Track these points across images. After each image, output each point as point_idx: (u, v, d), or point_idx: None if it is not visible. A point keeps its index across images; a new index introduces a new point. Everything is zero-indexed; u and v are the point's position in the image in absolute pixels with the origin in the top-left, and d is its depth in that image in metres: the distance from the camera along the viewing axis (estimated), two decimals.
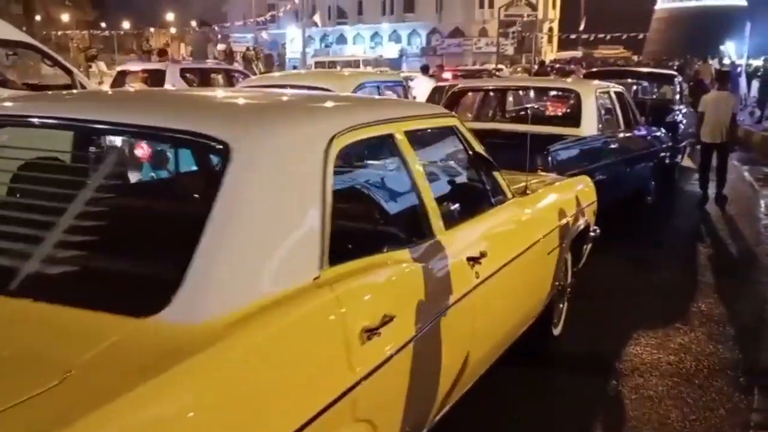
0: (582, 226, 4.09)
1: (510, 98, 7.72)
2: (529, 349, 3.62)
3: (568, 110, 7.04)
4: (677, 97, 11.07)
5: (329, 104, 2.48)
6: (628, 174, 7.21)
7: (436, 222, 2.47)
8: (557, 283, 3.81)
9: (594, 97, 6.53)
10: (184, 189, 2.70)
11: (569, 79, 7.62)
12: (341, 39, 69.22)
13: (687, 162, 11.97)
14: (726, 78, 9.62)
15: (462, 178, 3.11)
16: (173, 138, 2.05)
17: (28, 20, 57.46)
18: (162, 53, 15.38)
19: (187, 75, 14.33)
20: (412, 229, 2.43)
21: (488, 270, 2.68)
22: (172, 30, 59.66)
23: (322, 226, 1.88)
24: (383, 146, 2.53)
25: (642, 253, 6.38)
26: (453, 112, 3.02)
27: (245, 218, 1.71)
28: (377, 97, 2.92)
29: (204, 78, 14.75)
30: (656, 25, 50.80)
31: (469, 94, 7.38)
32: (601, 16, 51.56)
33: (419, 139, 2.66)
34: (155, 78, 13.86)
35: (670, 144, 9.09)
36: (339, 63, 40.01)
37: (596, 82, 6.94)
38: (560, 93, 7.44)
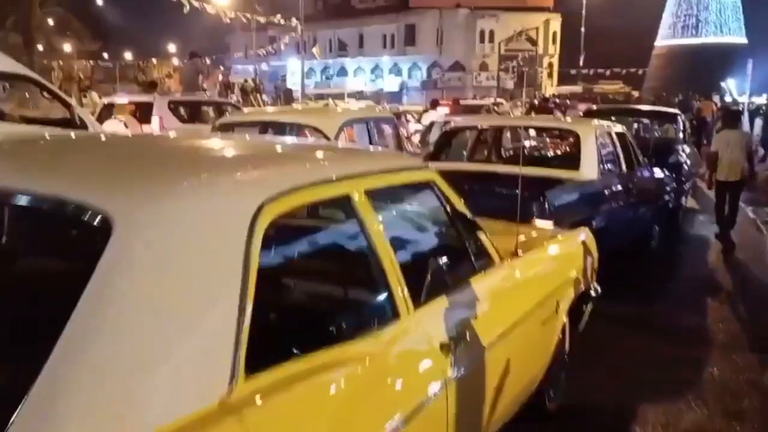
0: (582, 288, 3.62)
1: (506, 138, 7.30)
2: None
3: (567, 152, 6.62)
4: (680, 135, 10.70)
5: (265, 159, 2.00)
6: (630, 219, 6.76)
7: (402, 301, 2.00)
8: (553, 356, 3.32)
9: (594, 138, 6.11)
10: (44, 277, 2.05)
11: (569, 119, 7.22)
12: (342, 71, 69.45)
13: (691, 202, 11.56)
14: (738, 117, 9.48)
15: (438, 244, 2.62)
16: (36, 205, 1.54)
17: (27, 50, 57.81)
18: (152, 85, 15.06)
19: (180, 108, 14.03)
20: (370, 312, 1.96)
21: (468, 357, 2.20)
22: (175, 61, 59.92)
23: (239, 323, 1.42)
24: (336, 211, 2.07)
25: (645, 309, 5.86)
26: (429, 165, 2.54)
27: (123, 319, 1.25)
28: (340, 144, 2.42)
29: (193, 111, 14.44)
30: (656, 62, 50.88)
31: (464, 132, 6.96)
32: (601, 52, 51.69)
33: (385, 199, 2.21)
34: (143, 111, 13.53)
35: (674, 186, 8.67)
36: (328, 95, 39.96)
37: (596, 121, 6.53)
38: (559, 133, 7.03)
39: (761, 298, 6.46)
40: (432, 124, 13.06)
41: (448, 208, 2.52)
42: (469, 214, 2.60)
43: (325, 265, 2.20)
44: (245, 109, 16.76)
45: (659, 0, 51.26)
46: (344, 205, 1.96)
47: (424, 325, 2.07)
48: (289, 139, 2.58)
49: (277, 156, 2.11)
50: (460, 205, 2.57)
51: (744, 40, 48.25)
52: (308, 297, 1.99)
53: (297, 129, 7.52)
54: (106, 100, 14.69)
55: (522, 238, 3.15)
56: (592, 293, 3.82)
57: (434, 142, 6.74)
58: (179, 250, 1.40)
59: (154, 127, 13.20)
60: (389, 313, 1.95)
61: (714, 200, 9.92)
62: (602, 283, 4.05)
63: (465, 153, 6.74)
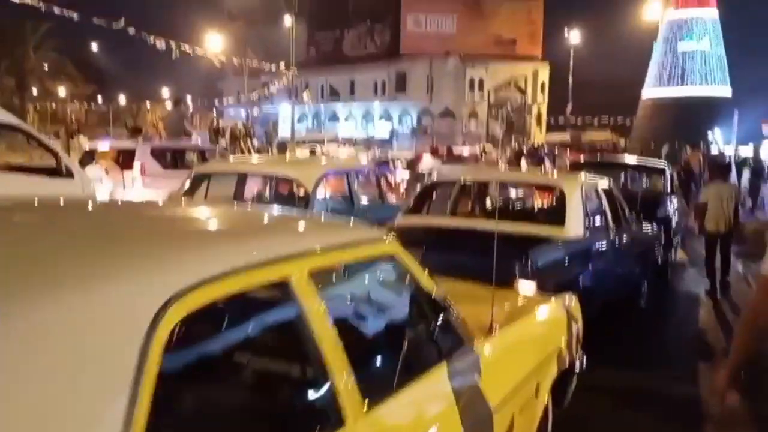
0: (566, 364, 3.32)
1: (490, 191, 7.08)
2: None
3: (552, 208, 6.39)
4: (668, 188, 10.55)
5: (187, 238, 1.70)
6: (618, 277, 6.51)
7: (350, 403, 1.71)
8: None
9: (580, 194, 5.89)
10: None
11: (554, 173, 7.03)
12: (333, 117, 69.96)
13: (680, 255, 11.34)
14: (727, 170, 9.96)
15: (398, 329, 2.32)
16: None
17: (21, 93, 58.01)
18: (135, 131, 14.90)
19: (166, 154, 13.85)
20: (307, 421, 1.66)
21: None
22: (168, 105, 60.20)
23: None
24: (272, 297, 1.79)
25: (635, 376, 5.54)
26: (392, 237, 2.26)
27: None
28: (285, 211, 2.06)
29: (177, 157, 14.27)
30: (643, 112, 51.47)
31: (446, 185, 6.74)
32: (589, 101, 52.31)
33: (335, 280, 1.93)
34: (126, 157, 13.34)
35: (662, 240, 8.47)
36: (310, 141, 40.04)
37: (582, 176, 6.32)
38: (544, 188, 6.81)
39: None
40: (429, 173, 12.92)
41: (411, 286, 2.25)
42: (436, 291, 2.33)
43: (253, 365, 1.90)
44: (231, 157, 16.58)
45: (646, 50, 52.19)
46: (282, 290, 1.69)
47: (377, 430, 1.78)
48: (228, 210, 2.28)
49: (202, 234, 1.81)
50: (425, 280, 2.30)
51: (729, 92, 48.97)
52: (229, 409, 1.70)
53: (274, 180, 7.31)
54: (87, 146, 14.49)
55: (498, 309, 2.87)
56: (577, 369, 3.53)
57: (415, 196, 6.50)
58: (54, 361, 1.12)
59: (135, 173, 12.99)
60: (332, 420, 1.65)
61: (702, 253, 9.78)
62: (589, 347, 3.76)
63: (447, 207, 6.50)
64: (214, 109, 51.60)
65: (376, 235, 2.20)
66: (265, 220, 2.12)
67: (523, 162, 23.27)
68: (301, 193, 6.59)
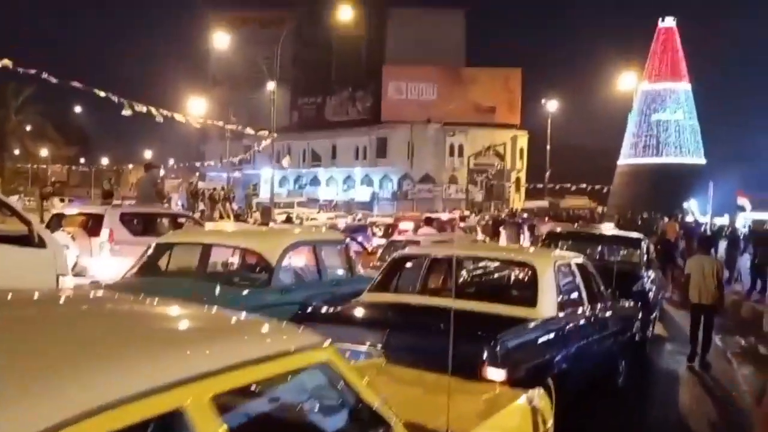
0: None
1: (459, 267, 6.83)
2: None
3: (524, 285, 6.16)
4: (644, 260, 10.40)
5: (58, 362, 1.37)
6: (594, 357, 6.23)
7: None
8: None
9: (553, 272, 5.68)
10: None
11: (527, 249, 6.85)
12: (315, 181, 70.23)
13: (659, 328, 11.11)
14: (710, 243, 10.07)
15: None
16: None
17: (0, 154, 57.79)
18: (106, 195, 14.58)
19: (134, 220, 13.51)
20: None
21: None
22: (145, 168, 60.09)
23: None
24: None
25: None
26: (327, 341, 2.00)
27: None
28: (191, 311, 1.71)
29: (148, 223, 13.92)
30: (619, 180, 52.24)
31: (414, 260, 6.51)
32: (567, 167, 53.07)
33: (249, 398, 1.65)
34: (95, 222, 12.98)
35: (639, 316, 8.23)
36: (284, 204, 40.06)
37: (556, 252, 6.14)
38: (515, 265, 6.59)
39: None
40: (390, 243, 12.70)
41: (349, 400, 1.97)
42: (377, 403, 2.05)
43: None
44: (208, 224, 16.24)
45: (621, 119, 53.38)
46: (175, 423, 1.41)
47: None
48: (113, 316, 1.95)
49: (79, 358, 1.44)
50: (365, 392, 2.02)
51: (703, 161, 50.01)
52: None
53: (237, 252, 7.04)
54: (54, 211, 14.12)
55: (454, 414, 2.58)
56: None
57: (382, 270, 6.25)
58: None
59: (103, 240, 12.61)
60: None
61: (681, 327, 9.62)
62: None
63: (415, 283, 6.25)
64: (197, 172, 51.68)
65: (306, 342, 1.92)
66: (158, 329, 1.83)
67: (502, 230, 23.17)
68: (265, 266, 6.32)
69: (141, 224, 13.62)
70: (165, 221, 14.27)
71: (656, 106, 50.72)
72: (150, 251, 6.83)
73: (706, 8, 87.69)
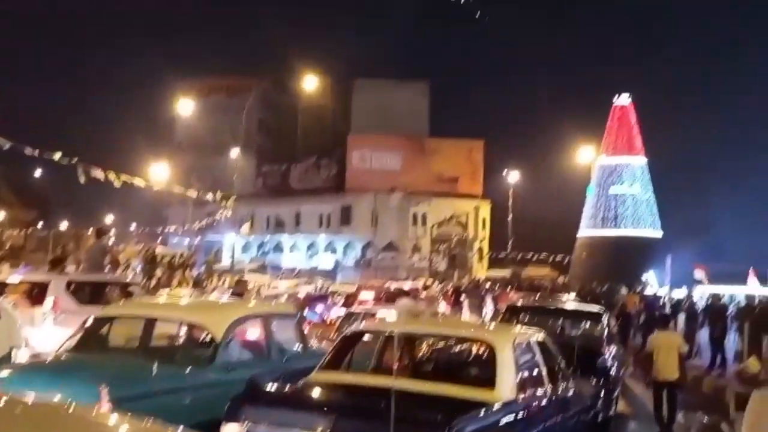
0: None
1: (414, 344, 6.54)
2: None
3: (482, 365, 5.90)
4: (606, 335, 10.25)
5: None
6: None
7: None
8: None
9: (512, 351, 5.45)
10: None
11: (486, 325, 6.65)
12: (278, 247, 69.54)
13: (622, 406, 10.85)
14: (669, 320, 10.41)
15: None
16: None
17: None
18: (55, 262, 14.00)
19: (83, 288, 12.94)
20: None
21: None
22: (112, 232, 58.96)
23: None
24: None
25: None
26: None
27: None
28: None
29: (95, 292, 13.32)
30: (579, 251, 53.01)
31: (367, 336, 6.22)
32: (529, 237, 53.68)
33: None
34: (40, 290, 12.38)
35: (602, 394, 8.01)
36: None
37: (515, 329, 5.93)
38: (472, 342, 6.32)
39: None
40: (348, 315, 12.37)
41: None
42: None
43: None
44: (164, 291, 15.66)
45: (581, 191, 54.62)
46: None
47: None
48: None
49: None
50: None
51: (660, 234, 51.17)
52: None
53: (182, 326, 6.69)
54: (4, 277, 13.45)
55: None
56: None
57: (333, 347, 5.94)
58: None
59: (46, 309, 12.00)
60: None
61: (644, 404, 9.43)
62: None
63: (368, 361, 5.94)
64: (159, 237, 50.83)
65: None
66: None
67: (464, 300, 22.95)
68: (209, 341, 5.97)
69: (89, 293, 13.05)
70: (115, 290, 13.72)
71: (613, 179, 52.17)
72: (88, 324, 6.43)
73: (661, 84, 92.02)
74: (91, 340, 6.36)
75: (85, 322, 6.47)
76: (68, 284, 12.47)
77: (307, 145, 75.32)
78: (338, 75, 64.06)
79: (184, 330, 6.66)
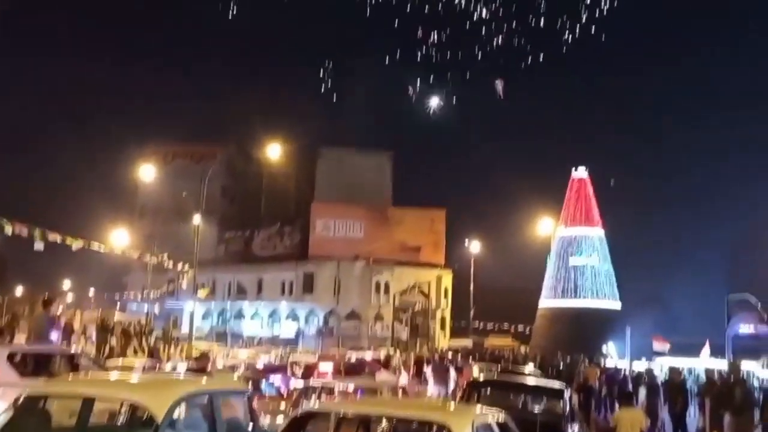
0: None
1: (368, 427, 6.25)
2: None
3: None
4: (567, 411, 10.08)
5: None
6: None
7: None
8: None
9: None
10: None
11: (446, 404, 6.43)
12: (239, 314, 68.06)
13: None
14: (631, 396, 11.00)
15: None
16: None
17: None
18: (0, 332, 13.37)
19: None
20: None
21: None
22: (69, 298, 57.13)
23: None
24: None
25: None
26: None
27: None
28: None
29: (40, 363, 12.67)
30: (540, 321, 53.14)
31: (319, 417, 5.91)
32: (491, 307, 53.71)
33: None
34: None
35: None
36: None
37: (476, 410, 5.71)
38: (430, 425, 6.03)
39: None
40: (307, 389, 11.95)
41: None
42: None
43: None
44: (119, 360, 14.92)
45: (542, 261, 55.16)
46: None
47: None
48: None
49: None
50: None
51: (618, 305, 51.65)
52: None
53: (123, 405, 6.31)
54: None
55: None
56: None
57: (282, 429, 5.62)
58: None
59: None
60: None
61: None
62: None
63: None
64: (117, 304, 49.38)
65: None
66: None
67: (430, 373, 22.43)
68: (149, 422, 5.59)
69: (32, 365, 12.42)
70: (61, 362, 13.07)
71: (572, 250, 52.90)
72: (20, 403, 5.99)
73: (619, 157, 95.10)
74: (23, 420, 5.92)
75: (16, 400, 6.03)
76: (10, 356, 11.86)
77: (270, 212, 74.99)
78: (303, 143, 64.60)
79: (124, 409, 6.27)
